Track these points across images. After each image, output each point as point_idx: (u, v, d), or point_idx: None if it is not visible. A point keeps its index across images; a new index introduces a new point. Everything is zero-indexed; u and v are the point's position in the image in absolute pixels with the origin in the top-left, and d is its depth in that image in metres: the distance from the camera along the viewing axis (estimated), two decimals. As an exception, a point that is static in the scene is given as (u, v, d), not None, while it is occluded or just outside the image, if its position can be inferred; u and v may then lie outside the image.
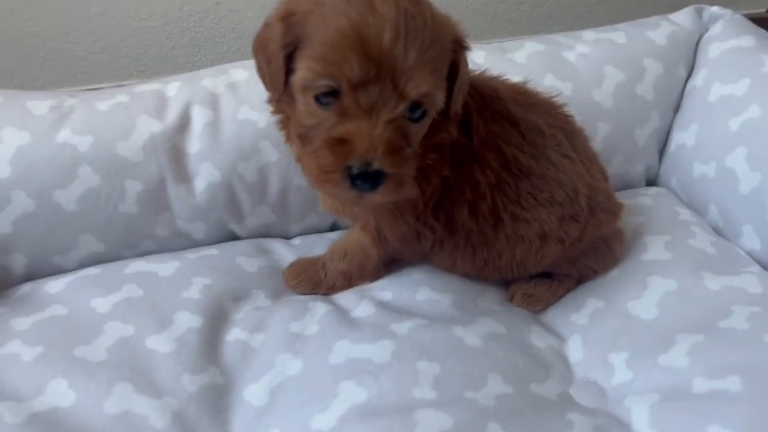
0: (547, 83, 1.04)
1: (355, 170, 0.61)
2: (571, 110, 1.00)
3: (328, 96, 0.62)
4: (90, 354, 0.74)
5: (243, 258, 0.92)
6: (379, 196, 0.63)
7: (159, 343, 0.76)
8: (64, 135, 0.89)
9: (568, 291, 0.89)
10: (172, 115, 0.94)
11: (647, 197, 1.06)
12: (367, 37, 0.59)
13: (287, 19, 0.64)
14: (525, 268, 0.85)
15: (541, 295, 0.88)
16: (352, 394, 0.69)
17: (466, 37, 0.68)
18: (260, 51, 0.68)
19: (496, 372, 0.72)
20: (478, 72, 0.83)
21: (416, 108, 0.64)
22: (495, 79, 0.83)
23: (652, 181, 1.15)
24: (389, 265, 0.90)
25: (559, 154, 0.81)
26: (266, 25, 0.67)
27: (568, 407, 0.71)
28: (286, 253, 0.96)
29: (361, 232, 0.83)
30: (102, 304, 0.81)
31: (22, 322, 0.78)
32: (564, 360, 0.79)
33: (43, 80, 1.14)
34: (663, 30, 1.11)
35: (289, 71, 0.64)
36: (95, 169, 0.89)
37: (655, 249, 0.89)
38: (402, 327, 0.77)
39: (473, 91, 0.76)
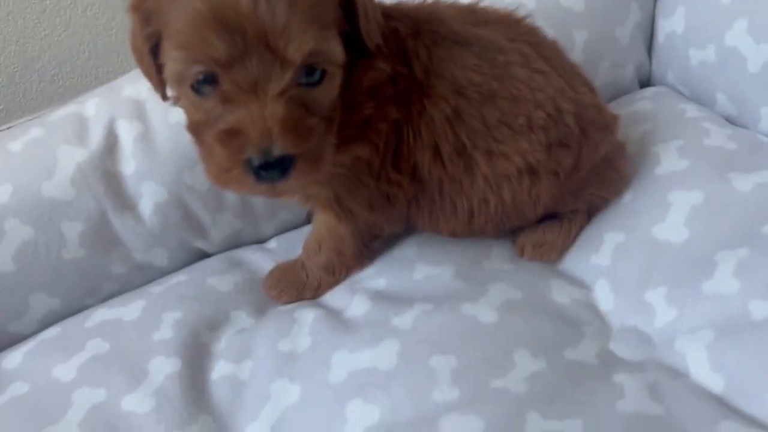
0: (508, 0, 0.91)
1: (255, 162, 0.53)
2: (543, 24, 0.88)
3: (205, 84, 0.55)
4: (56, 435, 0.64)
5: (215, 278, 0.81)
6: (294, 182, 0.55)
7: (136, 403, 0.66)
8: (-21, 190, 0.78)
9: (581, 229, 0.78)
10: (96, 137, 0.82)
11: (646, 101, 0.94)
12: (222, 5, 0.51)
13: (140, 8, 0.57)
14: (522, 213, 0.74)
15: (553, 242, 0.77)
16: (362, 414, 0.59)
17: None
18: (132, 49, 0.62)
19: (523, 347, 0.62)
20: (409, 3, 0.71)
21: (312, 71, 0.55)
22: (434, 3, 0.72)
23: (645, 82, 1.03)
24: (374, 245, 0.79)
25: (528, 70, 0.69)
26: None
27: (612, 368, 0.61)
28: (262, 260, 0.85)
29: (324, 214, 0.73)
30: (65, 371, 0.71)
31: (-21, 414, 0.69)
32: (595, 311, 0.69)
33: (-44, 130, 1.02)
34: None
35: (159, 66, 0.58)
36: (24, 220, 0.78)
37: (668, 159, 0.78)
38: (404, 320, 0.67)
39: (402, 16, 0.65)
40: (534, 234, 0.78)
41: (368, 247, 0.80)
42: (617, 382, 0.58)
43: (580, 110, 0.71)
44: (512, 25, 0.73)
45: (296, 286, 0.78)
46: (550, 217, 0.78)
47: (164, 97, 0.63)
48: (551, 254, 0.77)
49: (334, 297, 0.77)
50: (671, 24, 0.94)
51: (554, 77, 0.71)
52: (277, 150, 0.53)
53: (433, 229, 0.77)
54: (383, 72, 0.63)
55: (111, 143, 0.82)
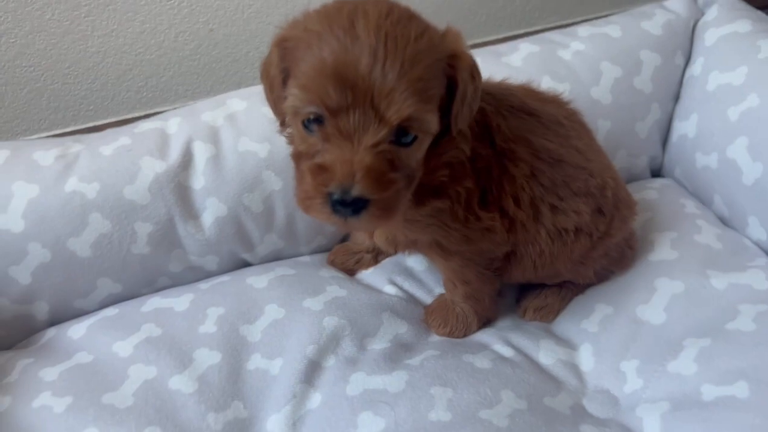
0: (545, 85, 1.03)
1: (334, 196, 0.61)
2: (572, 110, 1.01)
3: (314, 122, 0.63)
4: (117, 400, 0.77)
5: (253, 278, 0.93)
6: (364, 221, 0.63)
7: (182, 383, 0.79)
8: (71, 184, 0.91)
9: (575, 295, 0.90)
10: (175, 153, 0.95)
11: (653, 190, 1.06)
12: (344, 63, 0.60)
13: (281, 44, 0.65)
14: (555, 264, 0.82)
15: (552, 305, 0.88)
16: (370, 424, 0.71)
17: (466, 49, 0.65)
18: (264, 77, 0.70)
19: (509, 389, 0.74)
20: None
21: (405, 132, 0.63)
22: (502, 81, 0.84)
23: (657, 171, 1.15)
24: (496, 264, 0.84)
25: (583, 144, 0.81)
26: (269, 52, 0.69)
27: (581, 419, 0.72)
28: (293, 267, 0.97)
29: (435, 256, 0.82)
30: (123, 347, 0.84)
31: (50, 372, 0.81)
32: (576, 370, 0.80)
33: (49, 122, 1.16)
34: (658, 19, 1.10)
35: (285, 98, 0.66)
36: (105, 215, 0.91)
37: (661, 248, 0.90)
38: (415, 360, 0.79)
39: (484, 94, 0.73)
40: (536, 299, 0.89)
41: (491, 269, 0.83)
42: (582, 431, 0.70)
43: (617, 187, 0.83)
44: (562, 105, 0.85)
45: (450, 318, 0.86)
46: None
47: (282, 123, 0.72)
48: (549, 317, 0.88)
49: (364, 317, 0.87)
50: (685, 127, 1.06)
51: (601, 154, 0.83)
52: (355, 191, 0.60)
53: (509, 275, 0.85)
54: (463, 152, 0.71)
55: (186, 160, 0.95)
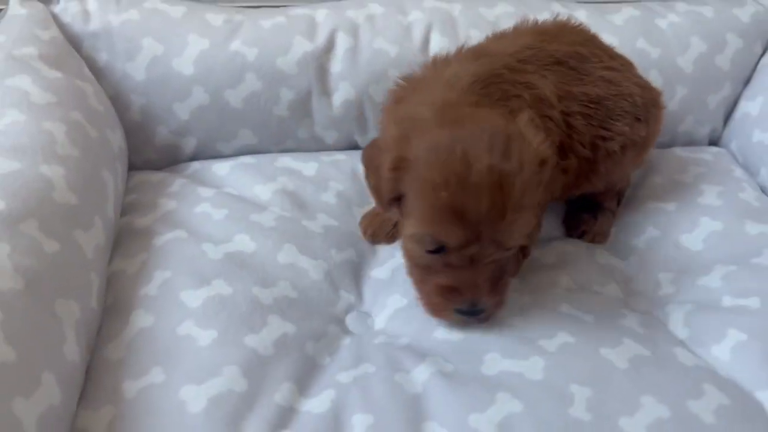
0: (639, 46, 1.18)
1: (464, 310, 0.74)
2: (656, 72, 1.17)
3: (436, 251, 0.72)
4: (262, 220, 0.96)
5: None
6: (483, 320, 0.77)
7: (312, 225, 0.98)
8: (235, 45, 1.09)
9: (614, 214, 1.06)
10: (321, 38, 1.12)
11: (708, 154, 1.22)
12: (465, 207, 0.66)
13: (397, 171, 0.70)
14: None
15: (605, 229, 1.05)
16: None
17: (550, 153, 0.72)
18: (370, 168, 0.78)
19: (566, 274, 0.93)
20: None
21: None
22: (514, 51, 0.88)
23: (714, 142, 1.31)
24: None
25: (607, 70, 0.90)
26: (376, 147, 0.77)
27: (622, 306, 0.91)
28: None
29: None
30: (263, 191, 1.03)
31: (205, 191, 1.01)
32: (621, 275, 0.99)
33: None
34: (748, 8, 1.24)
35: (397, 197, 0.74)
36: (258, 76, 1.09)
37: (709, 195, 1.07)
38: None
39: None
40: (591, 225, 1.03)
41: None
42: (622, 312, 0.88)
43: (643, 92, 0.95)
44: (576, 33, 0.94)
45: None
46: (588, 209, 1.05)
47: (382, 206, 0.78)
48: (605, 237, 1.04)
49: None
50: (749, 106, 1.22)
51: (623, 70, 0.95)
52: (482, 305, 0.73)
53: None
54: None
55: (329, 46, 1.12)
